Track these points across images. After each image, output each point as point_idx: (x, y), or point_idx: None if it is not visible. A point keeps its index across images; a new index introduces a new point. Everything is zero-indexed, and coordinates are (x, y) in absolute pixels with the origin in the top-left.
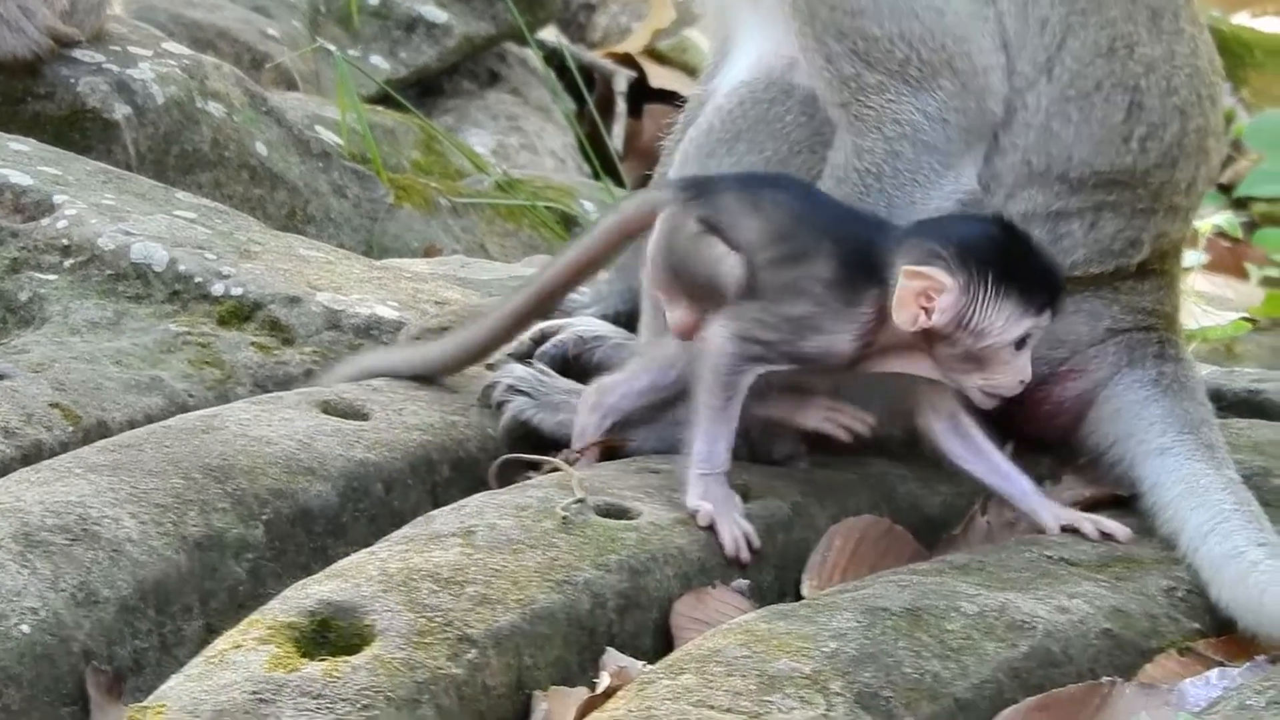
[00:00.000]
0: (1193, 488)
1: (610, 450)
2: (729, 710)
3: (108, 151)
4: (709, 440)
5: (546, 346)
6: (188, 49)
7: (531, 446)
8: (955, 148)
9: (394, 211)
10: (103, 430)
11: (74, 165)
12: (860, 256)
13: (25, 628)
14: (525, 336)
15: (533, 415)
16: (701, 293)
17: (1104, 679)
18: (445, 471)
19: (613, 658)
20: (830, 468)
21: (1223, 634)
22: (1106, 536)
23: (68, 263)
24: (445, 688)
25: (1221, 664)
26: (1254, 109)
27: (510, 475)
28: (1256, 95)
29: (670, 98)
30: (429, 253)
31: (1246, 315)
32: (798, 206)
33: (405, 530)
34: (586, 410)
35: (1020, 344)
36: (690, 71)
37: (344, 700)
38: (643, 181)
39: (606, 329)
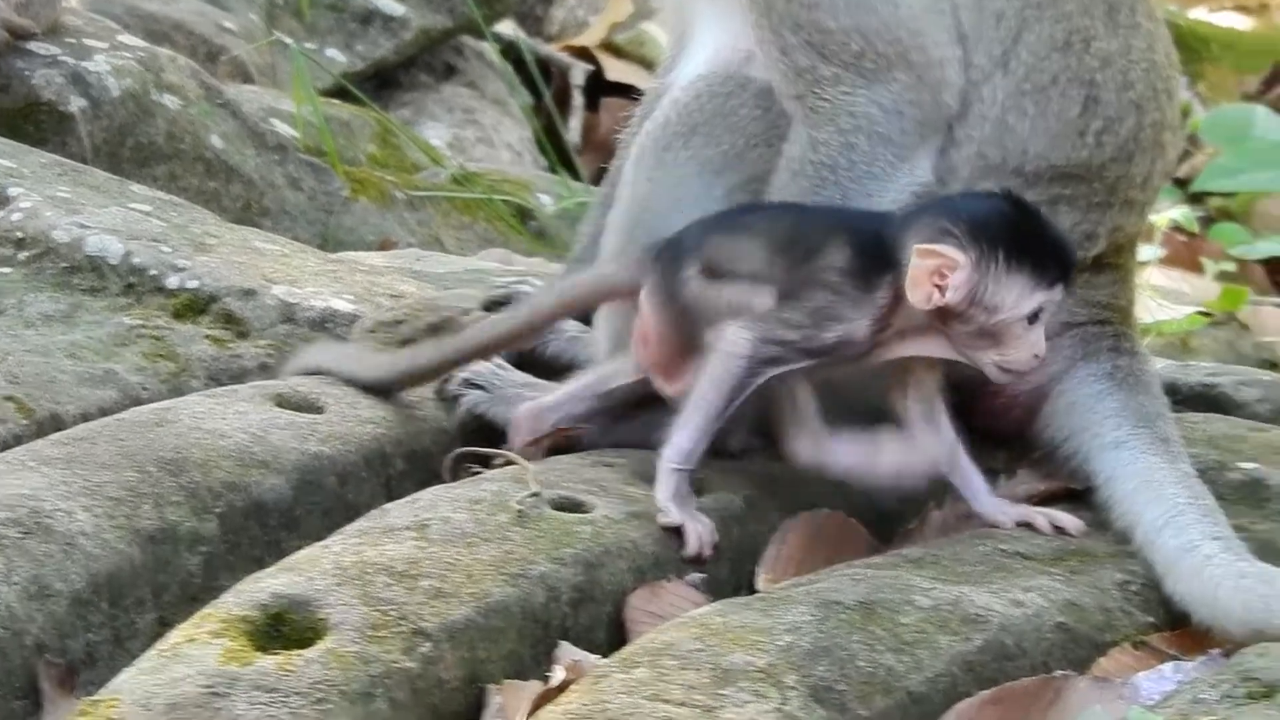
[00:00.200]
0: (1148, 482)
1: (560, 447)
2: (683, 704)
3: (63, 144)
4: (694, 438)
5: None
6: (143, 41)
7: (486, 440)
8: (910, 140)
9: (349, 204)
10: (56, 423)
11: (29, 158)
12: (871, 242)
13: None
14: None
15: (488, 409)
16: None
17: (1058, 673)
18: (399, 465)
19: (566, 651)
20: (784, 461)
21: (1177, 628)
22: (1059, 530)
23: (22, 255)
24: (399, 681)
25: (1175, 658)
26: (1210, 103)
27: (465, 469)
28: (1213, 89)
29: (627, 91)
30: (384, 246)
31: (1202, 309)
32: (789, 214)
33: (359, 523)
34: (520, 435)
35: (1033, 318)
36: (647, 65)
37: (297, 693)
38: (600, 175)
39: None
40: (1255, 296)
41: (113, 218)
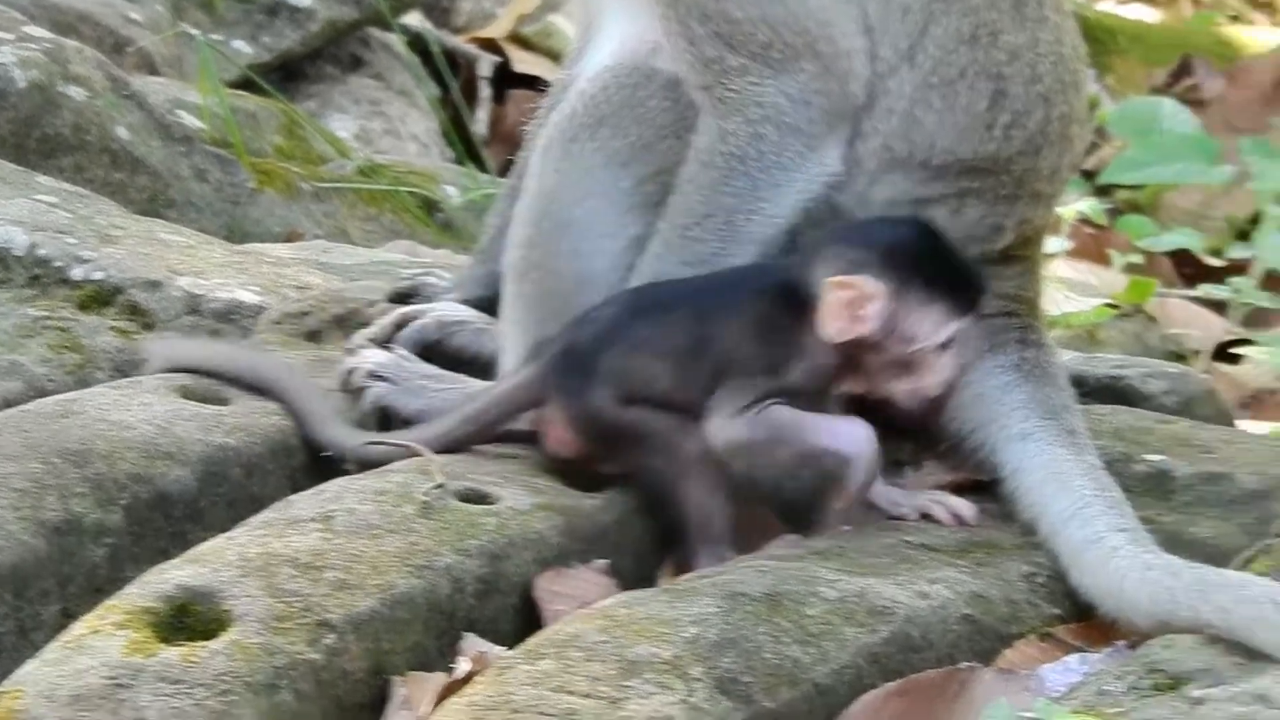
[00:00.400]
0: (1054, 473)
1: None
2: (588, 695)
3: None
4: (838, 438)
5: (407, 331)
6: (49, 33)
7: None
8: (819, 129)
9: (256, 196)
10: None
11: None
12: (777, 295)
13: None
14: (386, 321)
15: (394, 400)
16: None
17: (963, 664)
18: (304, 456)
19: (472, 643)
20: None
21: (1083, 619)
22: (958, 518)
23: None
24: (303, 673)
25: (1081, 649)
26: (1118, 95)
27: (370, 461)
28: (1121, 82)
29: (535, 83)
30: (291, 237)
31: (1109, 301)
32: (686, 310)
33: (264, 515)
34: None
35: (946, 346)
36: (555, 57)
37: (201, 685)
38: (507, 166)
39: (468, 314)
40: (1162, 289)
41: (18, 209)
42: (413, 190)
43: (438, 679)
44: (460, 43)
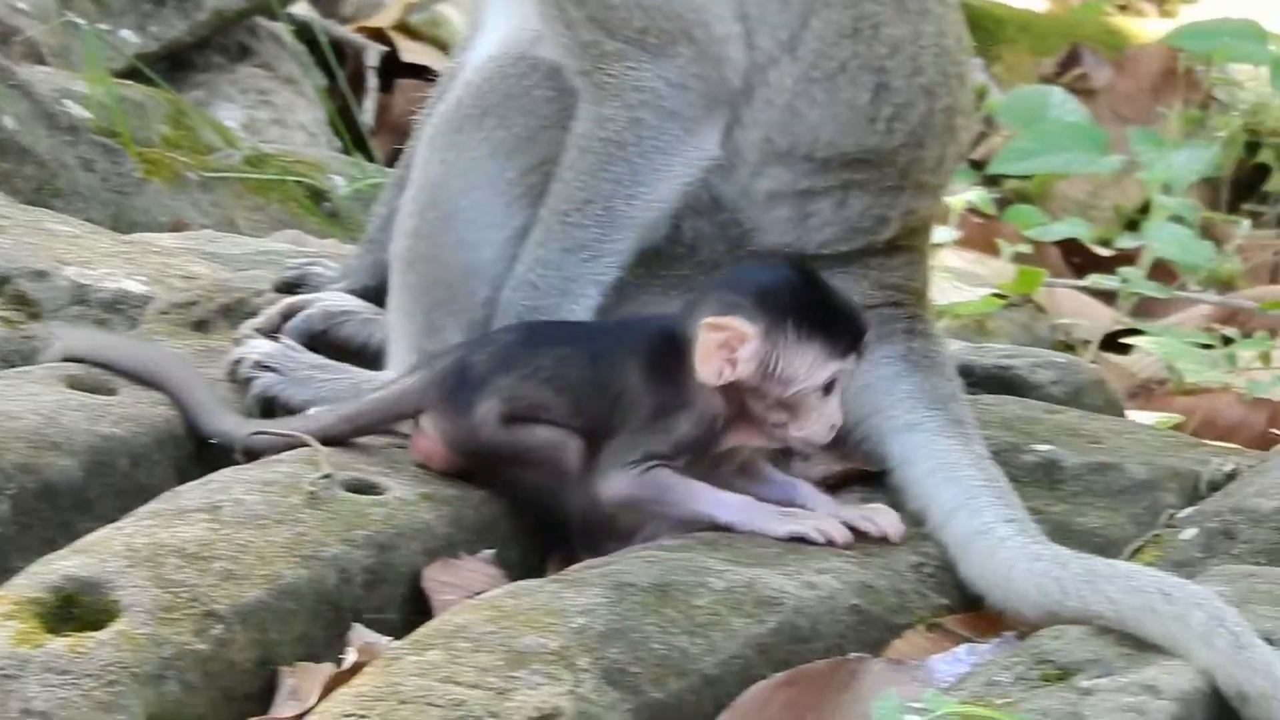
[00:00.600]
0: (941, 464)
1: None
2: (475, 686)
3: None
4: (719, 508)
5: (294, 321)
6: None
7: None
8: (697, 114)
9: (142, 186)
10: None
11: None
12: (664, 341)
13: None
14: (273, 311)
15: (281, 391)
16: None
17: (852, 655)
18: (191, 446)
19: (359, 634)
20: None
21: (971, 610)
22: (883, 536)
23: None
24: (191, 663)
25: (969, 640)
26: (1006, 85)
27: (258, 451)
28: (1009, 71)
29: (422, 73)
30: (177, 227)
31: (997, 291)
32: (579, 348)
33: (152, 505)
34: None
35: (828, 389)
36: (442, 46)
37: (89, 676)
38: (394, 156)
39: (355, 304)
40: (1051, 278)
41: None
42: (300, 180)
43: (325, 670)
44: (347, 32)
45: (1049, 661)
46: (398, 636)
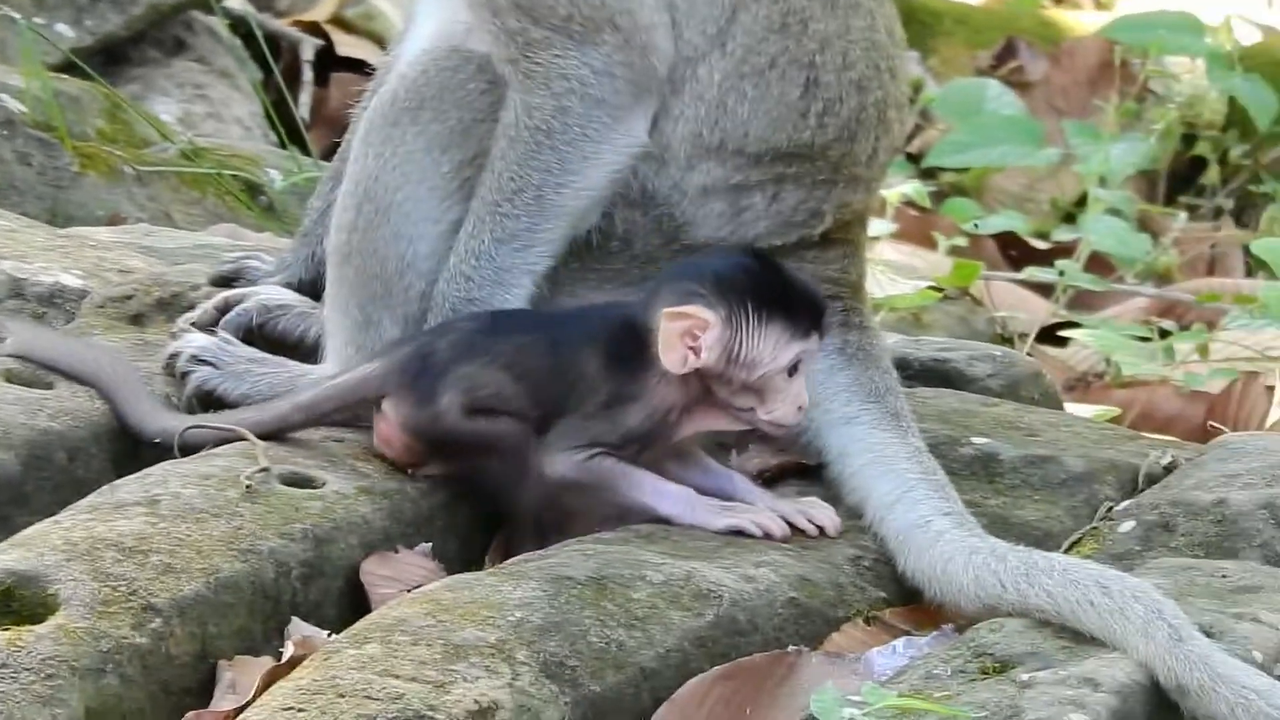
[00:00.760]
0: (879, 457)
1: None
2: (414, 679)
3: None
4: (660, 500)
5: (231, 315)
6: None
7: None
8: (623, 101)
9: (78, 180)
10: None
11: None
12: (622, 331)
13: None
14: (209, 305)
15: (218, 385)
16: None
17: (790, 648)
18: (128, 440)
19: (298, 627)
20: None
21: (909, 603)
22: (820, 530)
23: None
24: (129, 657)
25: (908, 633)
26: (942, 78)
27: (195, 444)
28: (945, 64)
29: (358, 66)
30: (113, 221)
31: (934, 284)
32: (538, 337)
33: (90, 499)
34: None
35: (793, 370)
36: (377, 40)
37: (28, 670)
38: (330, 150)
39: (291, 297)
40: (987, 271)
41: None
42: (235, 174)
43: (264, 663)
44: (283, 26)
45: (988, 654)
46: (336, 630)
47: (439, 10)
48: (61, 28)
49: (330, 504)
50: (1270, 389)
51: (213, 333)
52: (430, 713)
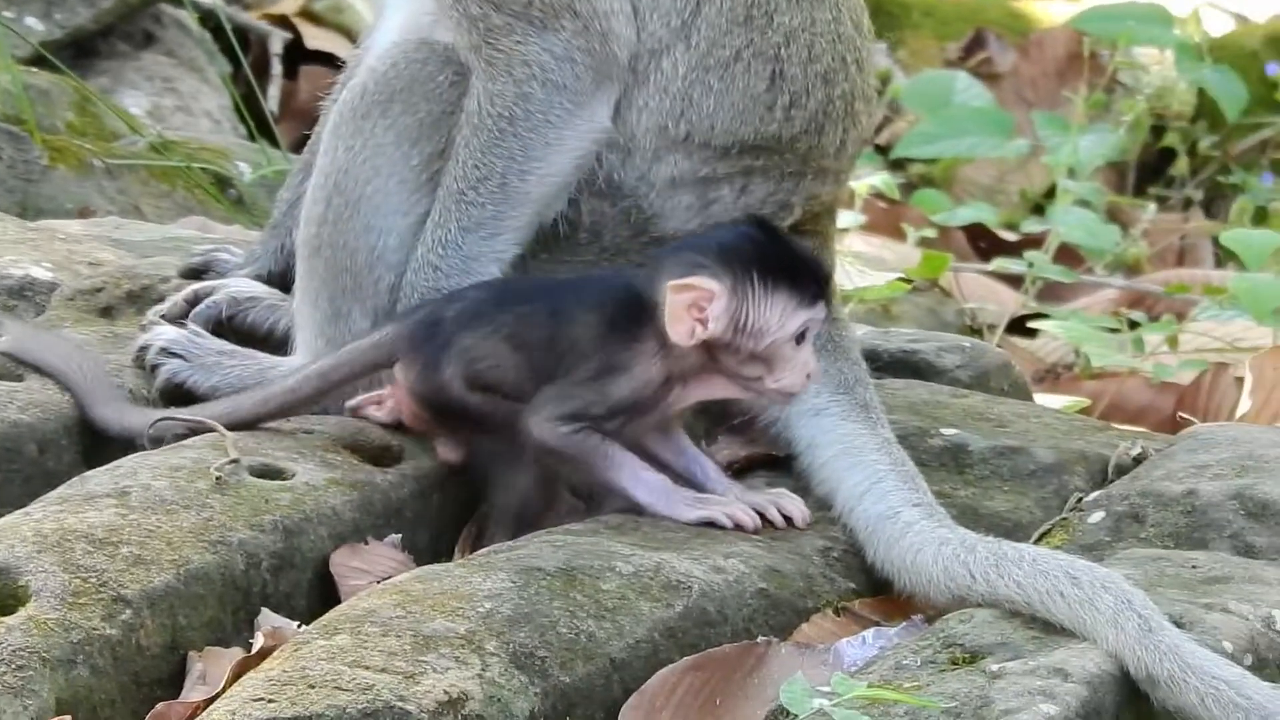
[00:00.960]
0: (848, 448)
1: None
2: (384, 670)
3: None
4: (637, 486)
5: (200, 308)
6: None
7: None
8: (585, 86)
9: (48, 173)
10: None
11: None
12: (624, 299)
13: None
14: (179, 297)
15: (188, 377)
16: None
17: (760, 638)
18: (98, 433)
19: (268, 618)
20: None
21: (879, 594)
22: (788, 521)
23: None
24: (100, 648)
25: (878, 624)
26: (911, 70)
27: (165, 436)
28: (914, 56)
29: (327, 59)
30: (83, 214)
31: (903, 276)
32: (540, 304)
33: (60, 491)
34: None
35: (800, 339)
36: (346, 32)
37: None
38: (300, 143)
39: (260, 289)
40: (957, 263)
41: None
42: (205, 166)
43: (234, 654)
44: (252, 19)
45: (957, 645)
46: (306, 621)
47: (407, 2)
48: (31, 21)
49: (300, 495)
50: (1239, 380)
51: (182, 325)
52: (400, 703)
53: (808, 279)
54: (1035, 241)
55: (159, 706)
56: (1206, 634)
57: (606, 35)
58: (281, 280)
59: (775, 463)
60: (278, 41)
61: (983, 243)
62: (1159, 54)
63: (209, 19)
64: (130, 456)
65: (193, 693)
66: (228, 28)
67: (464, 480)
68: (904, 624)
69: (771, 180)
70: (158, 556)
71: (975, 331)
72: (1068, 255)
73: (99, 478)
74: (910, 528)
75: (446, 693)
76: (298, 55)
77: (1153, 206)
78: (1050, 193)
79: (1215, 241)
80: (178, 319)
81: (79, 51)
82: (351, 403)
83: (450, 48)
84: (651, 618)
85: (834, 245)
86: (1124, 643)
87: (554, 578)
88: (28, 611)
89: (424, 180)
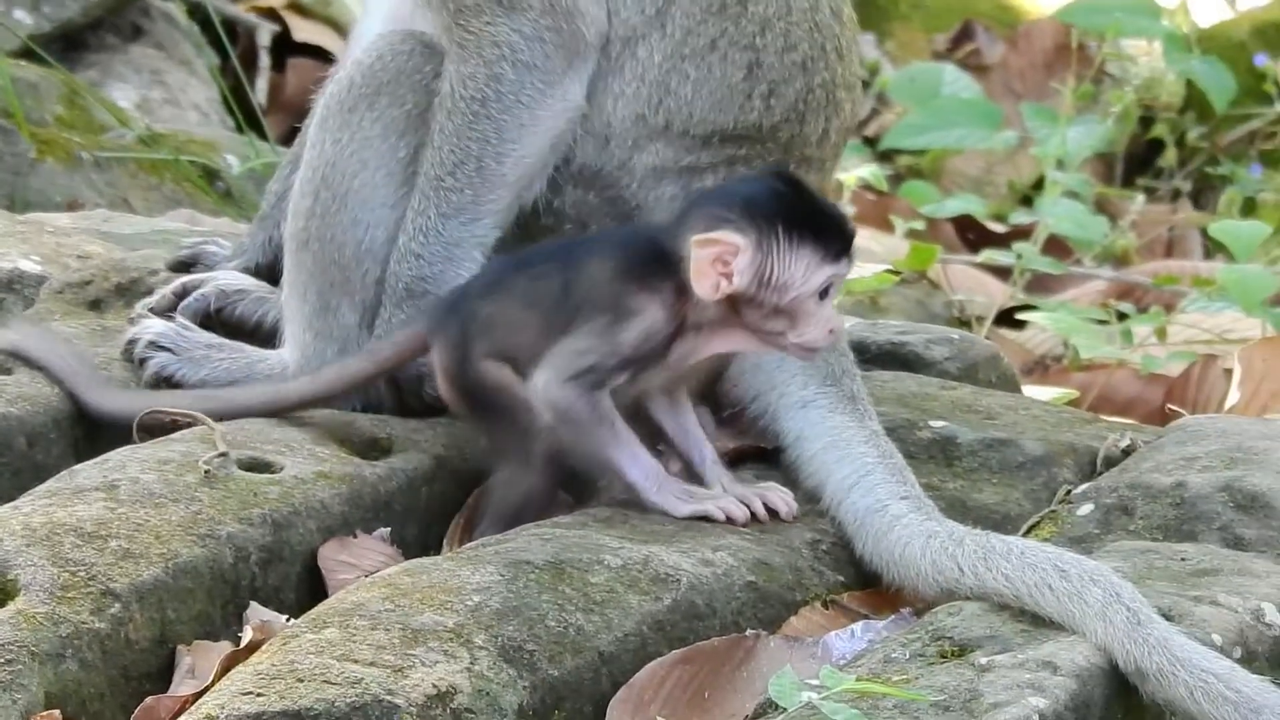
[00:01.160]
0: (836, 441)
1: None
2: (372, 664)
3: None
4: (633, 466)
5: (188, 300)
6: None
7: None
8: (555, 65)
9: (37, 166)
10: None
11: None
12: (643, 250)
13: None
14: (167, 290)
15: (176, 370)
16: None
17: (748, 632)
18: (87, 426)
19: (256, 612)
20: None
21: (867, 587)
22: (773, 514)
23: None
24: (89, 642)
25: (866, 617)
26: (899, 62)
27: (153, 430)
28: (902, 48)
29: (315, 51)
30: (72, 207)
31: (891, 268)
32: (554, 260)
33: (49, 484)
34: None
35: (824, 294)
36: (334, 24)
37: None
38: (288, 135)
39: (248, 282)
40: (945, 255)
41: None
42: (193, 159)
43: (222, 648)
44: (239, 11)
45: (946, 638)
46: (295, 615)
47: None
48: (20, 14)
49: (288, 489)
50: (1228, 371)
51: (171, 318)
52: (389, 697)
53: (833, 234)
54: (1024, 233)
55: (148, 700)
56: (1195, 627)
57: (572, 13)
58: (269, 272)
59: (764, 455)
60: (266, 34)
61: (971, 234)
62: (1147, 45)
63: (197, 12)
64: (119, 450)
65: (181, 686)
66: (216, 20)
67: (453, 473)
68: (893, 617)
69: (754, 169)
70: (146, 550)
71: (964, 323)
72: (1056, 247)
73: (88, 471)
74: (898, 521)
75: (435, 686)
76: (286, 48)
77: (1141, 198)
78: (1038, 184)
79: (1204, 233)
80: (166, 312)
81: (67, 44)
82: None
83: (433, 37)
84: (640, 611)
85: None
86: (1113, 635)
87: (542, 571)
88: (16, 605)
89: (411, 173)
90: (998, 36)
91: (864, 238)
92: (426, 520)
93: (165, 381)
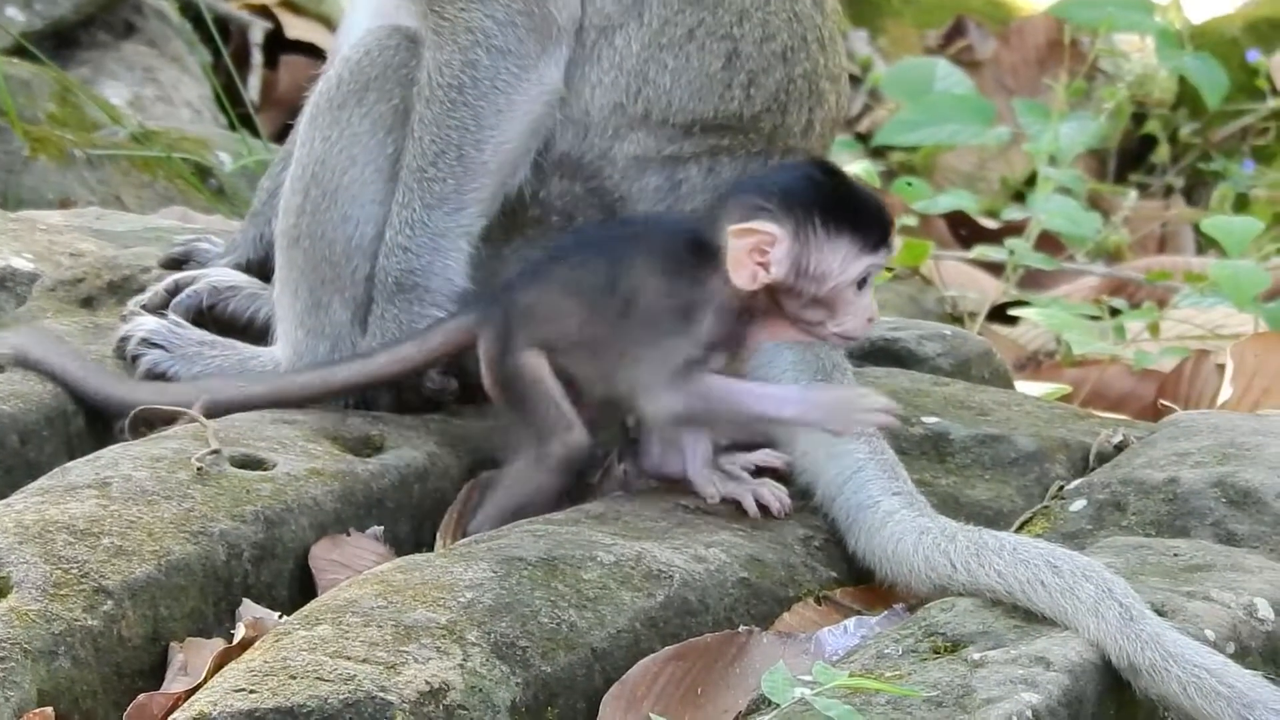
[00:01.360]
0: (827, 437)
1: None
2: (365, 660)
3: None
4: (781, 402)
5: (181, 297)
6: None
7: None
8: (529, 49)
9: (29, 163)
10: None
11: None
12: (685, 246)
13: None
14: (159, 287)
15: (169, 367)
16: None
17: (741, 628)
18: (80, 423)
19: (249, 609)
20: (465, 416)
21: (860, 583)
22: (764, 510)
23: None
24: (81, 639)
25: (859, 613)
26: (891, 57)
27: (146, 427)
28: (894, 44)
29: (307, 49)
30: (64, 204)
31: None
32: (595, 249)
33: (41, 482)
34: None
35: (862, 284)
36: (326, 21)
37: None
38: (281, 132)
39: (241, 279)
40: (938, 251)
41: None
42: (185, 156)
43: (215, 645)
44: (232, 8)
45: (939, 634)
46: (287, 612)
47: None
48: (11, 11)
49: (281, 486)
50: (1221, 367)
51: (163, 315)
52: (382, 694)
53: (871, 223)
54: (1016, 229)
55: (140, 697)
56: (1188, 622)
57: None
58: (261, 269)
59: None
60: (258, 31)
61: (964, 230)
62: (1140, 41)
63: (189, 8)
64: (111, 447)
65: (174, 684)
66: (208, 17)
67: (446, 470)
68: (886, 613)
69: (739, 160)
70: (139, 547)
71: (956, 319)
72: (1049, 243)
73: (80, 468)
74: (890, 517)
75: (428, 683)
76: (278, 45)
77: (1134, 194)
78: (1031, 180)
79: (1196, 229)
80: (158, 309)
81: (59, 42)
82: None
83: (415, 31)
84: (633, 607)
85: None
86: (1105, 631)
87: (535, 567)
88: (9, 603)
89: (400, 168)
90: (990, 32)
91: None
92: (419, 517)
93: (158, 379)
